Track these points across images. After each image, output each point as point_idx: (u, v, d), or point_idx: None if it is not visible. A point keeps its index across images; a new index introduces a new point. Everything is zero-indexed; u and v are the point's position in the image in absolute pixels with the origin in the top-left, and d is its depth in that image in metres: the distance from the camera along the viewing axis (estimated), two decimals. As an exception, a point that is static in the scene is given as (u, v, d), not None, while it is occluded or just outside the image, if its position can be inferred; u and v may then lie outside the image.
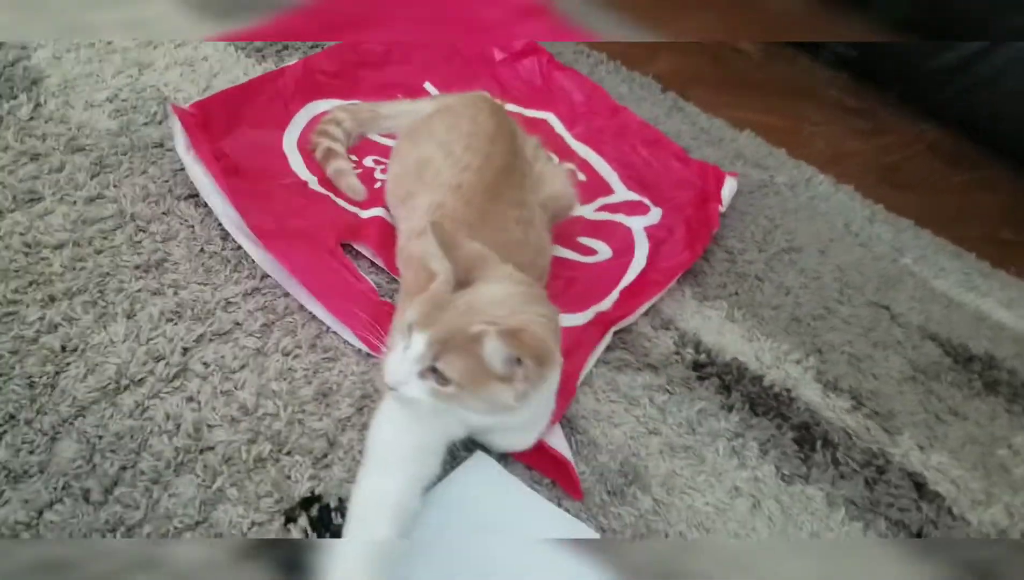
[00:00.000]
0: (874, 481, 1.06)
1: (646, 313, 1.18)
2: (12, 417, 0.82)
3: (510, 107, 1.42)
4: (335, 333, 1.01)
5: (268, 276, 1.04)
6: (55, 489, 0.78)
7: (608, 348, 1.11)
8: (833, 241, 1.41)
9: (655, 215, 1.30)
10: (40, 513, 0.76)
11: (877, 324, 1.28)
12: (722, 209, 1.34)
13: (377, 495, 0.81)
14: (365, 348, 1.00)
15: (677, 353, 1.14)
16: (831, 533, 0.99)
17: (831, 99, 1.86)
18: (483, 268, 0.85)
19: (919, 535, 1.02)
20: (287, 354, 0.97)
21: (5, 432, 0.81)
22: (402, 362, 0.78)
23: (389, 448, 0.85)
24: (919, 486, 1.07)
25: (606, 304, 1.14)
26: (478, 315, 0.79)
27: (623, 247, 1.23)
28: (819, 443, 1.08)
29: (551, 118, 1.45)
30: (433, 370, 0.77)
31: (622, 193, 1.34)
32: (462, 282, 0.83)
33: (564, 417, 1.00)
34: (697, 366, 1.13)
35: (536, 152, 1.19)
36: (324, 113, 1.26)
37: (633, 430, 1.03)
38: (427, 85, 1.42)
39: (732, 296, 1.26)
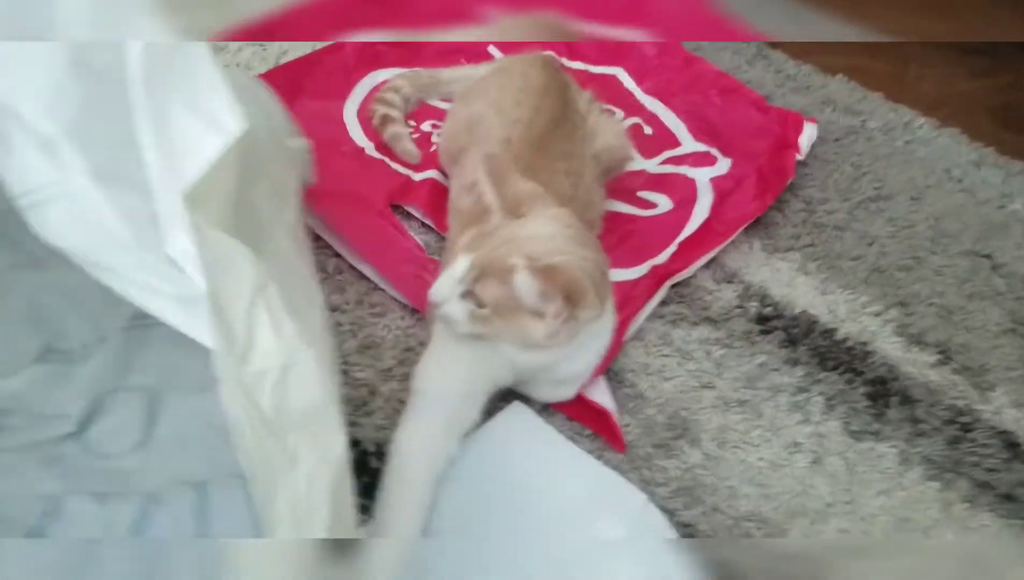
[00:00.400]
0: (957, 439, 0.96)
1: (708, 266, 1.12)
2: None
3: (577, 64, 1.41)
4: (382, 290, 1.04)
5: (320, 237, 1.07)
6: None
7: (663, 302, 1.07)
8: (930, 188, 1.29)
9: (723, 165, 1.24)
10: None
11: (975, 274, 1.16)
12: (800, 157, 1.26)
13: (417, 438, 0.84)
14: (410, 303, 1.01)
15: (740, 306, 1.09)
16: (903, 492, 0.91)
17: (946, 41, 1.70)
18: (533, 205, 0.85)
19: (1008, 498, 0.92)
20: (335, 309, 1.00)
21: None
22: (446, 281, 0.81)
23: (433, 392, 0.87)
24: (1012, 445, 0.96)
25: (662, 257, 1.09)
26: (519, 248, 0.79)
27: (684, 199, 1.18)
28: (895, 399, 1.00)
29: (620, 73, 1.40)
30: (472, 294, 0.80)
31: (689, 144, 1.28)
32: (512, 216, 0.85)
33: (610, 370, 0.98)
34: (761, 319, 1.07)
35: (590, 105, 1.16)
36: (385, 82, 1.28)
37: (684, 384, 0.99)
38: (491, 49, 1.41)
39: (807, 247, 1.18)
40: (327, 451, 0.60)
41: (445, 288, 0.82)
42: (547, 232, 0.83)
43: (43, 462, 0.77)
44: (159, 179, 0.59)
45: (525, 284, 0.77)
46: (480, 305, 0.80)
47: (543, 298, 0.78)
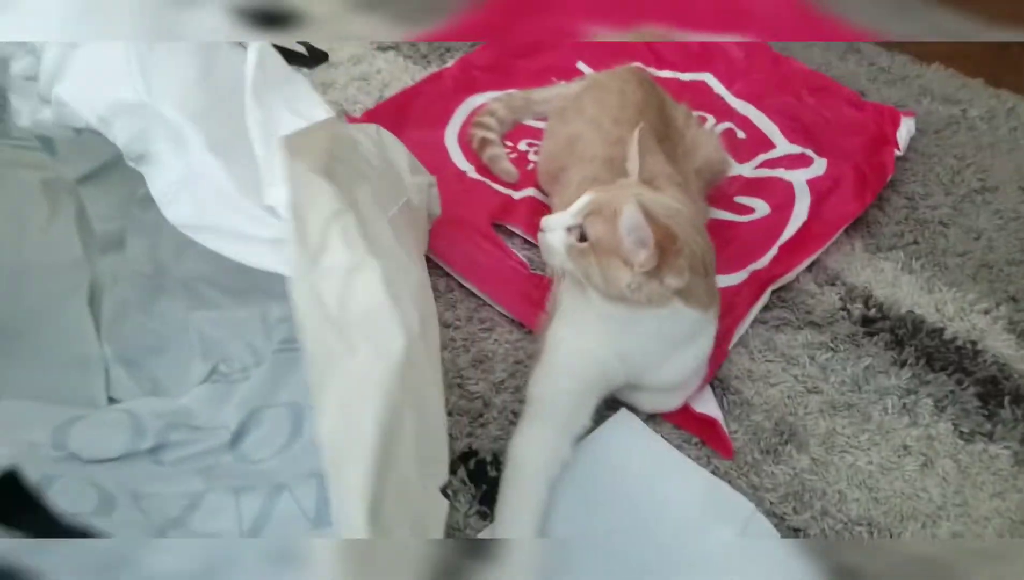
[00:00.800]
0: (1075, 438, 0.95)
1: (809, 269, 1.14)
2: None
3: (665, 73, 1.43)
4: (491, 306, 1.09)
5: (429, 259, 1.13)
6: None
7: (766, 307, 1.09)
8: (1038, 175, 1.26)
9: (819, 166, 1.24)
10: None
11: (1090, 264, 1.14)
12: (899, 152, 1.25)
13: (533, 442, 0.89)
14: (518, 319, 1.07)
15: (844, 309, 1.09)
16: (1018, 494, 0.91)
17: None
18: (668, 186, 0.91)
19: None
20: (448, 326, 1.06)
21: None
22: (562, 214, 0.88)
23: (548, 398, 0.92)
24: None
25: (763, 262, 1.11)
26: (634, 198, 0.82)
27: (782, 202, 1.19)
28: (1008, 399, 0.99)
29: (709, 79, 1.42)
30: (580, 228, 0.85)
31: (784, 147, 1.29)
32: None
33: (716, 377, 1.01)
34: (866, 321, 1.08)
35: (687, 120, 1.18)
36: (482, 106, 1.34)
37: (791, 389, 1.01)
38: (580, 65, 1.45)
39: (910, 245, 1.17)
40: (384, 348, 0.62)
41: (557, 219, 0.88)
42: (674, 206, 0.87)
43: (199, 470, 0.87)
44: (262, 151, 0.66)
45: (630, 218, 0.79)
46: (581, 239, 0.85)
47: (639, 241, 0.80)
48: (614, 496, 0.90)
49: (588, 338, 0.90)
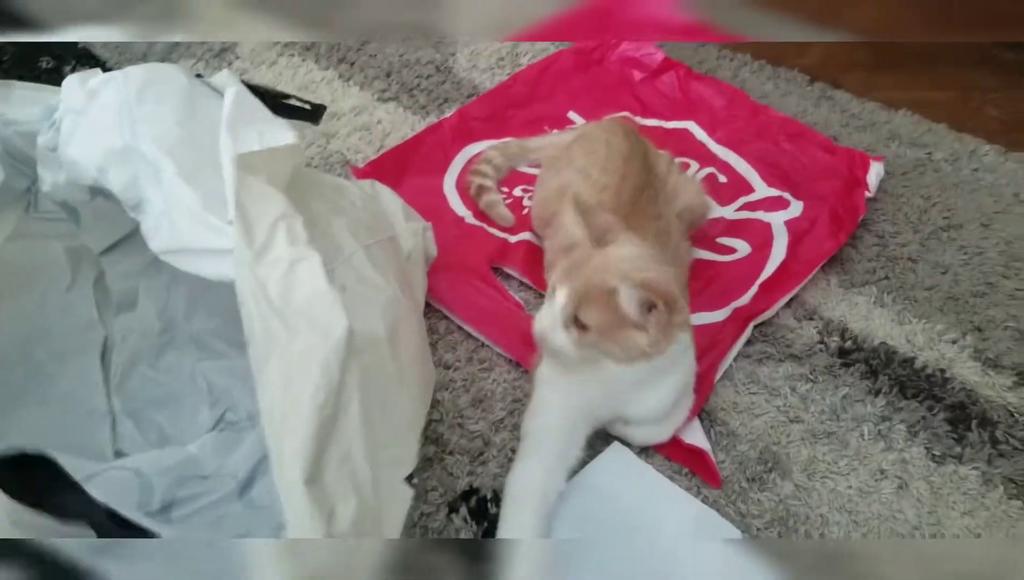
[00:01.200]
0: (1038, 459, 1.02)
1: (788, 305, 1.21)
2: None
3: (651, 121, 1.52)
4: (489, 347, 1.16)
5: (429, 303, 1.20)
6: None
7: (748, 342, 1.16)
8: (999, 213, 1.35)
9: (796, 208, 1.32)
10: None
11: (1050, 296, 1.22)
12: (869, 194, 1.33)
13: (528, 476, 0.95)
14: (515, 359, 1.13)
15: (821, 342, 1.17)
16: (986, 512, 0.98)
17: (1009, 63, 1.74)
18: (615, 234, 0.96)
19: (1091, 514, 0.97)
20: (448, 367, 1.13)
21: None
22: (548, 314, 0.91)
23: (539, 433, 0.98)
24: (1093, 462, 1.02)
25: (744, 299, 1.18)
26: (611, 270, 0.89)
27: (762, 242, 1.27)
28: (975, 422, 1.06)
29: (692, 127, 1.51)
30: (575, 320, 0.89)
31: (762, 190, 1.37)
32: (597, 246, 0.95)
33: (703, 410, 1.07)
34: (843, 353, 1.15)
35: (670, 166, 1.26)
36: (479, 154, 1.42)
37: (774, 419, 1.07)
38: (571, 114, 1.54)
39: (882, 280, 1.25)
40: (325, 331, 0.66)
41: (547, 319, 0.91)
42: (632, 253, 0.93)
43: (208, 523, 0.89)
44: (229, 174, 0.73)
45: (630, 299, 0.86)
46: (583, 329, 0.89)
47: (644, 308, 0.87)
48: (608, 524, 0.95)
49: (573, 375, 0.96)
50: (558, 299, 0.90)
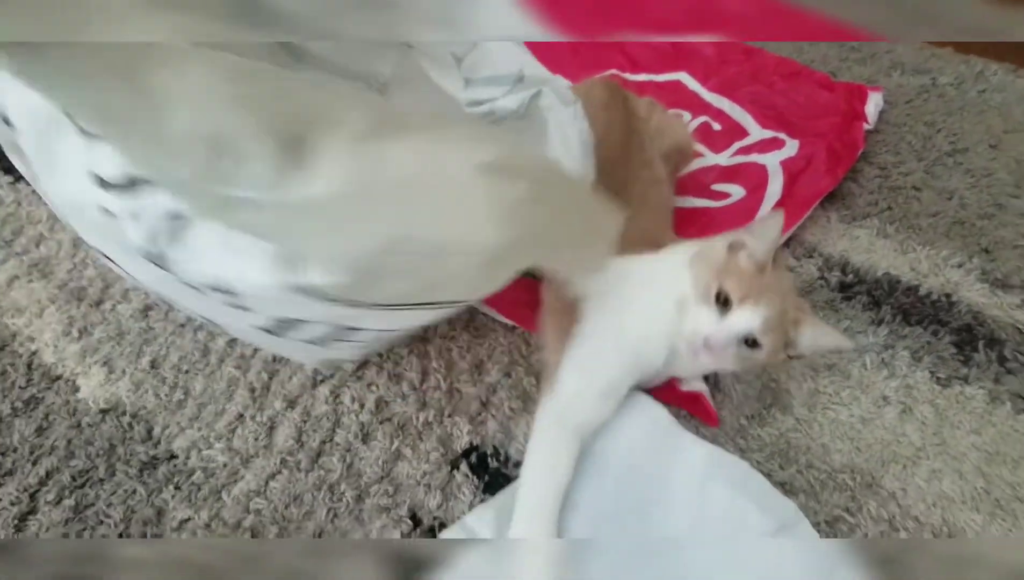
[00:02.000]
0: (1048, 374, 0.99)
1: (787, 244, 1.19)
2: (240, 415, 1.07)
3: (641, 76, 1.50)
4: (484, 314, 1.17)
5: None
6: (276, 464, 1.01)
7: (747, 283, 1.15)
8: (1008, 133, 1.30)
9: (791, 147, 1.30)
10: (266, 482, 1.00)
11: (1062, 211, 1.18)
12: (869, 126, 1.30)
13: (552, 448, 0.91)
14: (510, 322, 1.14)
15: (821, 278, 1.15)
16: (993, 429, 0.95)
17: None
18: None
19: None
20: (444, 337, 1.14)
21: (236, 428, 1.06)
22: (726, 329, 0.88)
23: (575, 419, 0.93)
24: (1104, 374, 0.98)
25: (740, 243, 1.17)
26: (786, 299, 0.90)
27: (756, 185, 1.25)
28: (982, 343, 1.03)
29: (684, 77, 1.49)
30: (755, 341, 0.88)
31: (757, 133, 1.35)
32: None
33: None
34: (844, 287, 1.13)
35: (651, 108, 1.24)
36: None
37: (772, 356, 1.06)
38: (559, 77, 1.53)
39: (884, 212, 1.22)
40: None
41: (724, 337, 0.88)
42: (784, 279, 0.96)
43: None
44: None
45: (813, 337, 0.91)
46: (755, 349, 0.88)
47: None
48: (623, 468, 0.93)
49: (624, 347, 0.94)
50: (746, 319, 0.87)
